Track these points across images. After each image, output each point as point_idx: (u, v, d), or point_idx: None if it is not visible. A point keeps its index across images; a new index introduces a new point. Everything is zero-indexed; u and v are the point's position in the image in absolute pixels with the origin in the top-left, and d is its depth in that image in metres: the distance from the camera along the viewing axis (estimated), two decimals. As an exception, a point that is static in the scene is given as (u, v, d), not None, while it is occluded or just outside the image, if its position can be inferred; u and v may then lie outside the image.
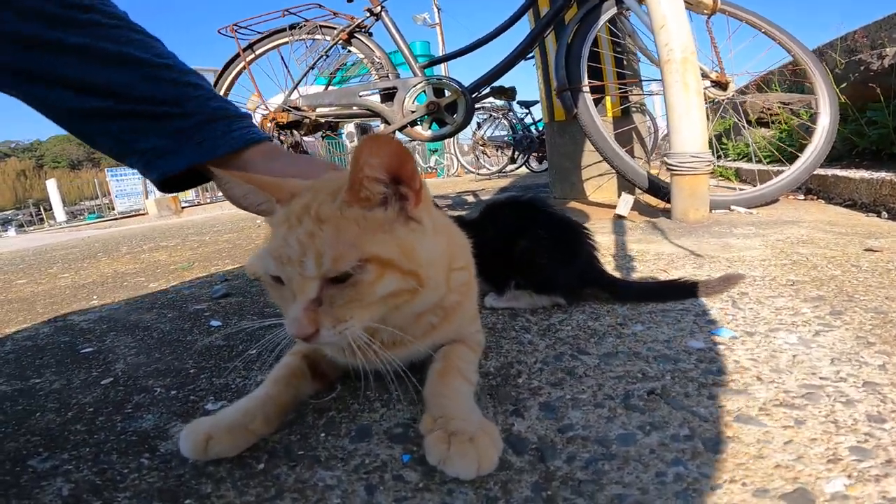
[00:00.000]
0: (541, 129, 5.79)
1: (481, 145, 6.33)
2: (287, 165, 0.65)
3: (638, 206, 1.94)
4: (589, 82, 1.91)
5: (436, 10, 12.84)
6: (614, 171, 1.85)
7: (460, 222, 1.00)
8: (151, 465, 0.50)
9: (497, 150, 6.26)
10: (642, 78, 2.29)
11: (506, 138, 6.01)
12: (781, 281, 0.92)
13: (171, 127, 0.61)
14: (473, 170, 6.72)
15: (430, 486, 0.44)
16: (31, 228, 12.50)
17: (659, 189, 1.78)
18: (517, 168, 6.00)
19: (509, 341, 0.75)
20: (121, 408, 0.64)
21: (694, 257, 1.15)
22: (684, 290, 0.87)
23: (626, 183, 2.31)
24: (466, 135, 6.84)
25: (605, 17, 1.92)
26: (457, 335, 0.63)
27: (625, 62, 2.23)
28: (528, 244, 0.84)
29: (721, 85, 1.92)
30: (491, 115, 6.23)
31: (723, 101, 1.99)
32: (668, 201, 1.74)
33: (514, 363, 0.67)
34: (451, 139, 7.97)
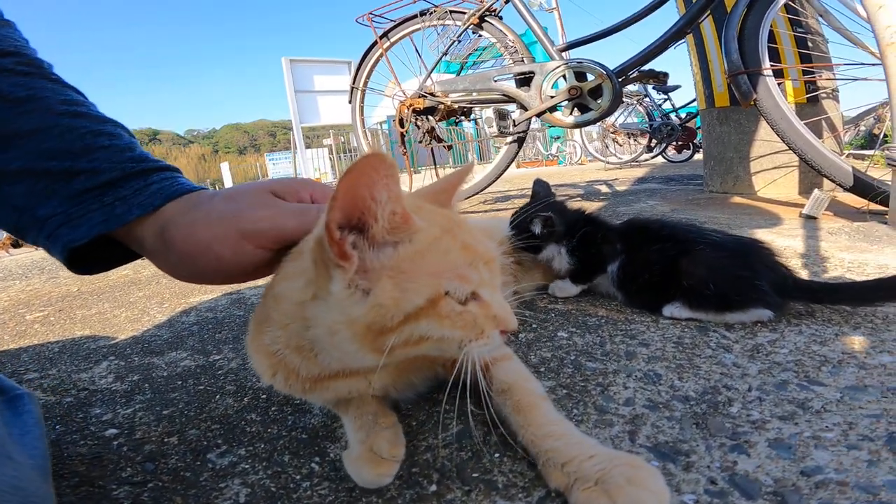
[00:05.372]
0: (682, 115, 5.19)
1: (612, 133, 5.88)
2: (221, 203, 0.49)
3: (832, 207, 1.59)
4: (771, 65, 1.61)
5: (553, -8, 12.12)
6: (807, 165, 1.54)
7: (606, 228, 0.89)
8: (322, 473, 0.48)
9: (629, 138, 5.76)
10: (839, 62, 1.89)
11: (641, 126, 5.49)
12: None
13: (76, 186, 0.47)
14: (601, 158, 6.29)
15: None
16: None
17: (866, 188, 1.43)
18: (653, 157, 5.47)
19: (705, 360, 0.62)
20: (291, 397, 0.64)
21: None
22: None
23: (810, 178, 1.95)
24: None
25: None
26: None
27: (809, 43, 1.86)
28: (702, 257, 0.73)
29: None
30: (624, 102, 5.76)
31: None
32: (880, 202, 1.40)
33: (720, 388, 0.56)
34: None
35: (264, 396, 0.66)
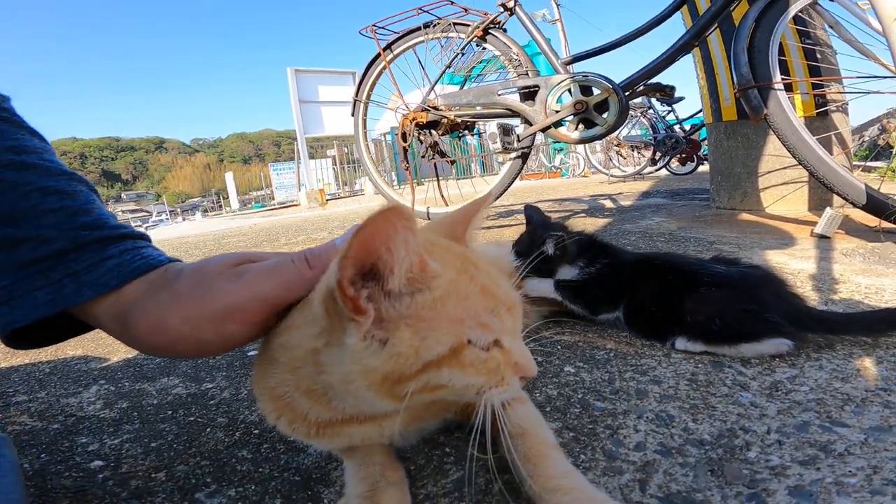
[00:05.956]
0: (686, 127, 5.17)
1: (616, 145, 5.86)
2: (189, 286, 0.42)
3: (844, 225, 1.55)
4: (782, 78, 1.58)
5: (555, 5, 12.21)
6: (819, 182, 1.50)
7: (618, 260, 0.87)
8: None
9: (633, 151, 5.73)
10: (849, 75, 1.87)
11: (644, 138, 5.47)
12: None
13: (21, 257, 0.40)
14: (604, 171, 6.25)
15: None
16: (213, 213, 15.16)
17: (880, 206, 1.40)
18: (657, 170, 5.44)
19: (721, 399, 0.59)
20: (284, 435, 0.61)
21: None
22: None
23: (819, 194, 1.92)
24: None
25: (797, 5, 1.58)
26: None
27: (818, 55, 1.83)
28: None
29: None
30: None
31: None
32: (894, 221, 1.37)
33: (736, 430, 0.52)
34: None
35: (256, 432, 0.63)
